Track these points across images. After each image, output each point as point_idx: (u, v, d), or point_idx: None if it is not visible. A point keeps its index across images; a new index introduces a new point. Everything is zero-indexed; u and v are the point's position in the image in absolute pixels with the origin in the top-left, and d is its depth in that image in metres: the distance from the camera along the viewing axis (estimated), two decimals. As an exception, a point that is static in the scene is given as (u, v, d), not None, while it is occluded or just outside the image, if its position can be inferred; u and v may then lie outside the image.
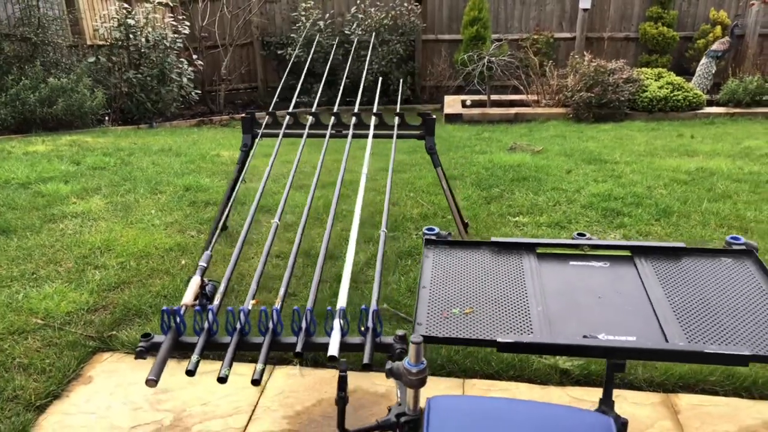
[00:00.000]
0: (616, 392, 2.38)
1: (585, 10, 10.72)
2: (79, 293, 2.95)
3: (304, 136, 2.92)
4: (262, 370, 1.70)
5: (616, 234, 3.62)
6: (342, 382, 1.59)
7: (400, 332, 1.59)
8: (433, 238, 2.01)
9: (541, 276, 1.79)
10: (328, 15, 11.03)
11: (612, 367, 1.52)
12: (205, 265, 2.15)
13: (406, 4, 10.75)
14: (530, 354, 1.50)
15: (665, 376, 2.43)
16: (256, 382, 1.67)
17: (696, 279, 1.74)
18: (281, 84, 3.68)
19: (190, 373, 1.70)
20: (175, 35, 9.54)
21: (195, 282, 2.05)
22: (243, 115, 3.12)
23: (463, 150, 5.86)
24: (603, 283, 1.76)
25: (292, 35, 11.00)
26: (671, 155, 5.54)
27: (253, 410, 2.32)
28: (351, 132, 2.96)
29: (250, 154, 3.06)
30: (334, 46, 5.86)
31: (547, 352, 1.49)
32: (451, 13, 11.29)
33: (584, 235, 1.99)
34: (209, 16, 10.91)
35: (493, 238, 1.96)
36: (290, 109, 3.11)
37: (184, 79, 9.39)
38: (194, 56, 10.04)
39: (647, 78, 8.77)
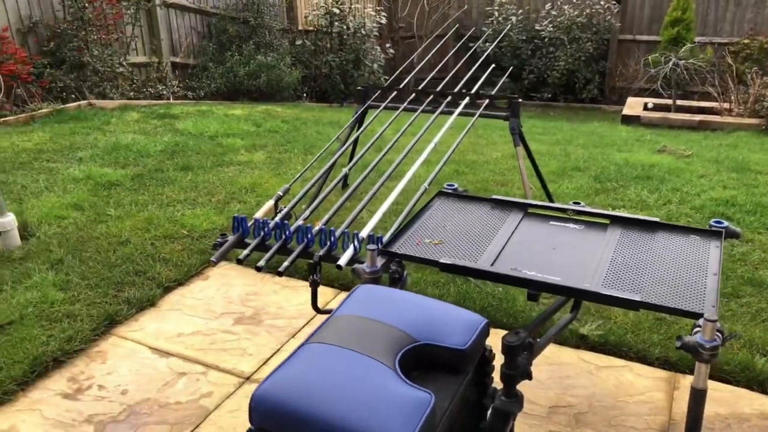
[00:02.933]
0: (623, 362, 2.58)
1: (813, 13, 9.65)
2: (219, 217, 3.77)
3: (401, 108, 3.43)
4: (287, 267, 2.26)
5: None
6: (313, 268, 2.09)
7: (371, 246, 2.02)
8: (450, 191, 2.40)
9: (517, 227, 2.11)
10: (521, 11, 11.26)
11: (529, 297, 1.81)
12: (281, 194, 2.76)
13: (602, 2, 10.58)
14: (465, 275, 1.86)
15: (678, 357, 2.54)
16: (279, 273, 2.24)
17: (650, 247, 1.94)
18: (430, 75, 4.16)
19: (240, 261, 2.32)
20: (374, 24, 10.49)
21: (268, 204, 2.68)
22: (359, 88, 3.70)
23: (608, 148, 5.88)
24: (566, 239, 2.03)
25: (483, 29, 11.40)
26: (842, 173, 5.04)
27: (312, 317, 2.89)
28: (442, 108, 3.39)
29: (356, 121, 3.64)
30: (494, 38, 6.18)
31: (476, 276, 1.83)
32: (653, 13, 10.83)
33: (579, 203, 2.24)
34: (409, 8, 11.75)
35: (495, 196, 2.30)
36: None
37: (375, 65, 10.30)
38: (387, 45, 10.92)
39: None
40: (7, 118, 5.59)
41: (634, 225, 2.08)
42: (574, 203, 2.23)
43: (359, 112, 3.59)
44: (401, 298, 1.67)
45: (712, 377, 2.47)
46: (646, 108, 8.99)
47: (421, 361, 1.53)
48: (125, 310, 2.87)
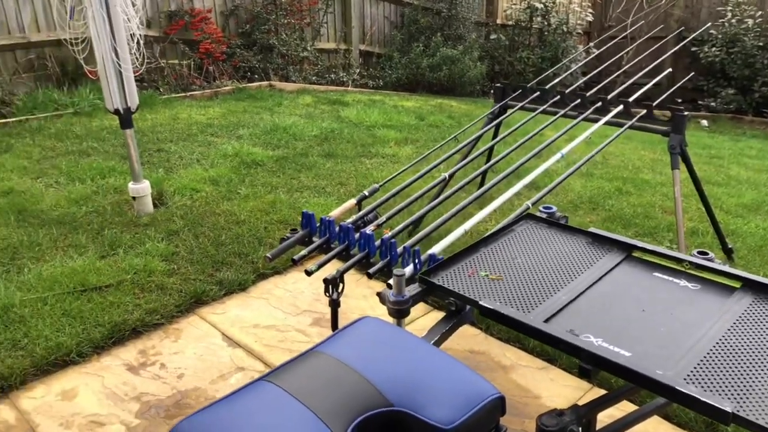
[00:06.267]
0: None
1: None
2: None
3: (538, 110, 2.98)
4: (341, 273, 2.01)
5: None
6: (332, 284, 1.80)
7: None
8: (543, 216, 1.96)
9: (606, 274, 1.63)
10: (760, 13, 9.66)
11: (581, 371, 1.36)
12: (366, 194, 2.52)
13: None
14: (505, 326, 1.47)
15: None
16: (325, 282, 2.00)
17: (788, 332, 1.36)
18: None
19: (294, 261, 2.13)
20: (578, 21, 9.72)
21: (348, 203, 2.45)
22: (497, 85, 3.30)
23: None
24: (665, 300, 1.51)
25: (711, 32, 10.03)
26: None
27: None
28: (586, 114, 2.88)
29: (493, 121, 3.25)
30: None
31: (517, 329, 1.43)
32: None
33: (706, 254, 1.69)
34: (624, 5, 10.70)
35: (593, 229, 1.82)
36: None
37: (573, 65, 9.53)
38: (591, 44, 10.06)
39: None
40: (194, 93, 6.04)
41: (775, 295, 1.49)
42: (699, 252, 1.68)
43: (494, 110, 3.20)
44: (402, 345, 1.34)
45: None
46: None
47: (392, 429, 1.19)
48: (215, 291, 2.84)
